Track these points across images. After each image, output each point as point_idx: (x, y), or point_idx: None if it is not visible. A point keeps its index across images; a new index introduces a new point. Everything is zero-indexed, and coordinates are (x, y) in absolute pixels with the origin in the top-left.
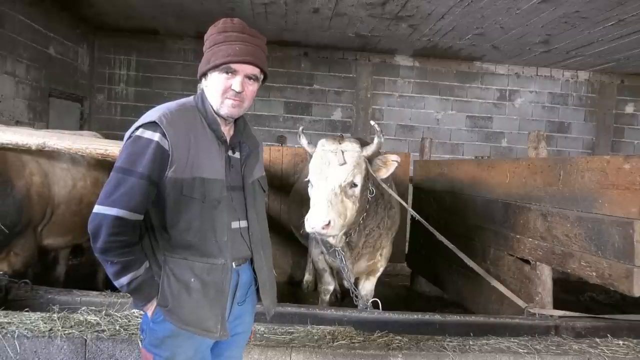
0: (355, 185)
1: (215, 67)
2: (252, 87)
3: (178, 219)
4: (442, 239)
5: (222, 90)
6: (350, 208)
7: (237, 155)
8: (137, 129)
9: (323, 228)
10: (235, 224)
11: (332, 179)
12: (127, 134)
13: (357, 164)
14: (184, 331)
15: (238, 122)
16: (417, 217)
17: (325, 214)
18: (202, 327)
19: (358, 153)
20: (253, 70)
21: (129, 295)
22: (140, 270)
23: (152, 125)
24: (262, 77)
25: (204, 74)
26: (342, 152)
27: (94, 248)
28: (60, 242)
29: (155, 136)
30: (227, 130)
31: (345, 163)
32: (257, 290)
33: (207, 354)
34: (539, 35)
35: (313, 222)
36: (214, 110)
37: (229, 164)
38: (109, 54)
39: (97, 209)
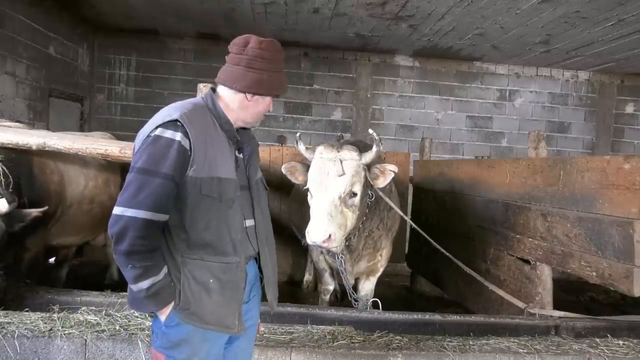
0: (355, 195)
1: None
2: None
3: (197, 218)
4: (437, 247)
5: (264, 112)
6: (351, 217)
7: (241, 155)
8: (156, 127)
9: (324, 242)
10: (245, 223)
11: (332, 191)
12: (143, 133)
13: (355, 172)
14: (201, 331)
15: None
16: (415, 226)
17: (326, 227)
18: (223, 324)
19: (356, 162)
20: None
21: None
22: (159, 275)
23: (172, 124)
24: None
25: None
26: (341, 162)
27: (117, 250)
28: (71, 240)
29: (177, 135)
30: None
31: (344, 174)
32: (261, 285)
33: (221, 352)
34: (539, 35)
35: (314, 236)
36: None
37: (237, 164)
38: (109, 54)
39: (122, 210)
